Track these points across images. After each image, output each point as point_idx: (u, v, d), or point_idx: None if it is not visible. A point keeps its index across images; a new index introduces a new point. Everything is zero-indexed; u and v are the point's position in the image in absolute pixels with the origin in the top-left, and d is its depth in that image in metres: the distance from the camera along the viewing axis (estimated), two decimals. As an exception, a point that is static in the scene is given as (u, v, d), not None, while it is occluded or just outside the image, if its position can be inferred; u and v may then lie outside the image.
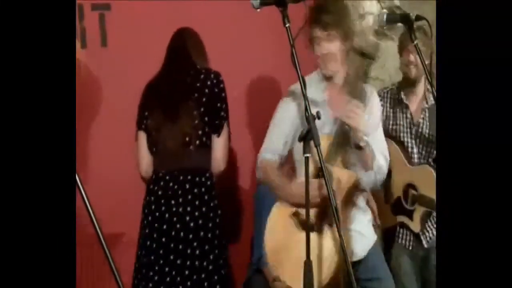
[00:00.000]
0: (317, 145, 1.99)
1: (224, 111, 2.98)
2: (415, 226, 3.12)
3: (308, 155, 2.03)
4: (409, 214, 3.13)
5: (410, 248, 3.18)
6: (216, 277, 2.91)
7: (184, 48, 3.08)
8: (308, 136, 2.00)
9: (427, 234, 3.15)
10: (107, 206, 3.19)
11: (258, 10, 2.33)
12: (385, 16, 2.69)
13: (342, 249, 1.98)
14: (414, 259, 3.20)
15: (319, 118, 2.05)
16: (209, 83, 2.96)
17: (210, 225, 2.90)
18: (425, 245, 3.15)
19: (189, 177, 2.93)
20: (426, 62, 2.58)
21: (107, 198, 3.24)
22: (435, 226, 3.13)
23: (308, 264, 2.00)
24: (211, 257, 2.89)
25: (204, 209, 2.90)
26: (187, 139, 2.94)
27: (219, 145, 2.96)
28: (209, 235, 2.90)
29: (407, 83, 3.28)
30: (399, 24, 2.72)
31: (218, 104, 2.96)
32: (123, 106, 3.38)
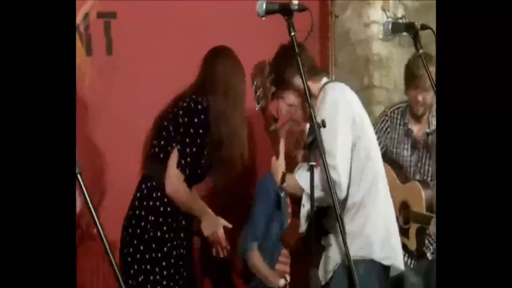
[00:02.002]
0: (323, 153, 1.99)
1: (181, 140, 2.88)
2: (411, 243, 3.10)
3: (313, 163, 2.03)
4: (405, 233, 3.11)
5: (412, 266, 3.16)
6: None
7: (201, 78, 3.03)
8: (313, 145, 2.01)
9: (431, 247, 3.14)
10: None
11: (264, 18, 2.33)
12: (390, 25, 2.70)
13: (347, 257, 1.97)
14: (418, 273, 3.18)
15: (324, 126, 2.05)
16: (185, 105, 2.91)
17: (131, 231, 2.89)
18: (430, 257, 3.13)
19: (138, 182, 2.98)
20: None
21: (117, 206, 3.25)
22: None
23: (313, 273, 2.00)
24: (129, 266, 2.88)
25: (130, 213, 2.92)
26: (147, 148, 3.00)
27: (167, 167, 2.89)
28: (129, 242, 2.89)
29: (412, 111, 3.27)
30: (404, 33, 2.72)
31: (181, 130, 2.89)
32: (128, 113, 3.39)
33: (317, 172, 2.27)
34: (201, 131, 2.88)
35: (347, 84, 4.26)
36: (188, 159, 2.86)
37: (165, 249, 2.89)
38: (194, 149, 2.87)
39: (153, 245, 2.87)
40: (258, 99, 2.56)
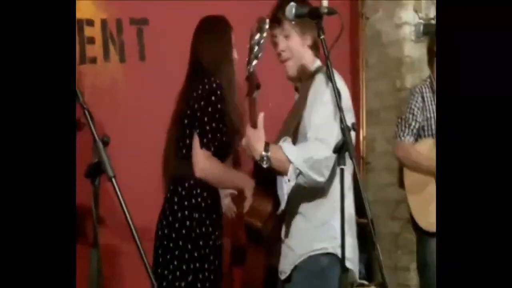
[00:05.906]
0: (352, 157, 1.98)
1: (199, 122, 2.88)
2: None
3: (343, 166, 2.02)
4: None
5: None
6: None
7: (198, 57, 3.03)
8: (343, 148, 2.00)
9: None
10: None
11: (293, 22, 2.33)
12: (421, 27, 2.69)
13: (378, 263, 1.96)
14: None
15: (354, 129, 2.04)
16: (200, 92, 2.89)
17: (173, 235, 2.88)
18: None
19: (171, 187, 2.96)
20: None
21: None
22: None
23: (344, 277, 1.99)
24: (171, 267, 2.87)
25: (171, 218, 2.90)
26: (173, 148, 2.97)
27: (192, 153, 2.89)
28: (171, 245, 2.88)
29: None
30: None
31: (198, 114, 2.88)
32: (161, 119, 3.41)
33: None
34: (223, 113, 2.88)
35: (379, 86, 4.23)
36: (210, 136, 2.86)
37: (210, 242, 2.91)
38: (214, 125, 2.86)
39: (200, 242, 2.89)
40: (251, 59, 2.29)
